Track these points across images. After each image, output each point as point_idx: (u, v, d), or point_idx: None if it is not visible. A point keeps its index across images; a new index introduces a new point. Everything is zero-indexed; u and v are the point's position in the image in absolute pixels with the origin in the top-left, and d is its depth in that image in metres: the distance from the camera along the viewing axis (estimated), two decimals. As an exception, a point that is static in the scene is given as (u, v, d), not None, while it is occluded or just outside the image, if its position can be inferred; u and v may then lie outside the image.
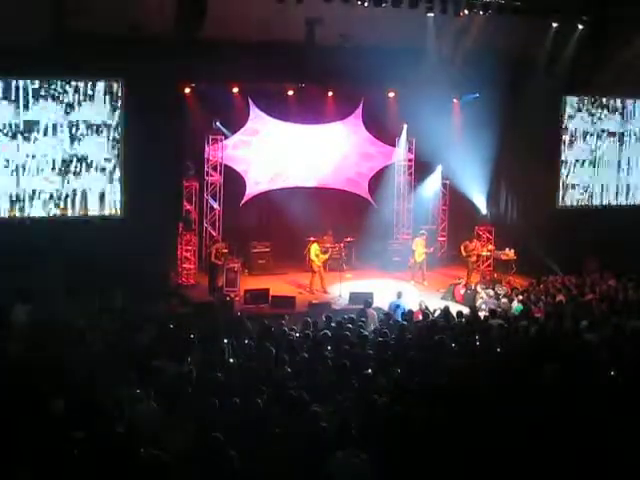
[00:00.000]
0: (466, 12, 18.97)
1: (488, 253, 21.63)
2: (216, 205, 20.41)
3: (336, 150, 22.03)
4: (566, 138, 22.64)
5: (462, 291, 18.73)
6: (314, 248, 19.33)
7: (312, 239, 19.94)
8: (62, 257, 16.55)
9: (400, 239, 22.34)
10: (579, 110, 22.77)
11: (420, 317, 14.83)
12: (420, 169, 22.62)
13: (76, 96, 18.18)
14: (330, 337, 12.65)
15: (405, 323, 13.79)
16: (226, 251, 19.31)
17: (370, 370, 10.54)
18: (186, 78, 18.98)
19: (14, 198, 17.89)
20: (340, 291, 18.77)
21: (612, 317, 14.61)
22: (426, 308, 15.50)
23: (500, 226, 21.69)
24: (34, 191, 18.08)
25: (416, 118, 21.14)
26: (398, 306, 15.58)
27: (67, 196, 18.40)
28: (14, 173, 17.85)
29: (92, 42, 16.77)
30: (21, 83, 17.56)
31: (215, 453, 7.34)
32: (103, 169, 18.61)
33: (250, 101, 20.81)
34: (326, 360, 10.99)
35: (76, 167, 18.41)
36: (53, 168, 18.17)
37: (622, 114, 23.10)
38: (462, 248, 20.85)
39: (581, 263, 20.72)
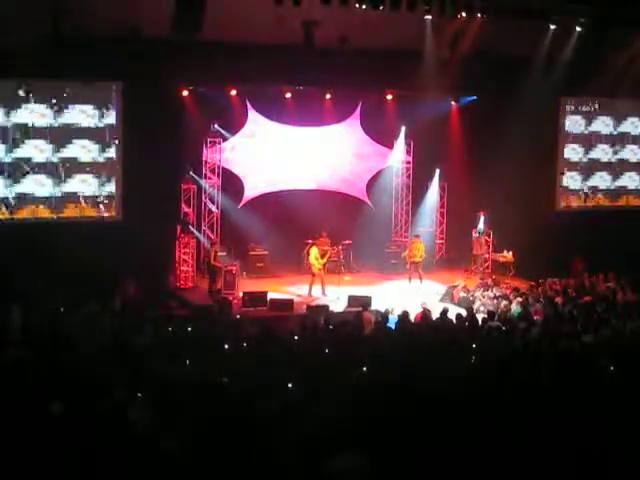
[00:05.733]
0: (464, 14, 19.01)
1: (485, 255, 21.76)
2: (214, 208, 20.41)
3: (334, 152, 22.02)
4: (564, 140, 22.71)
5: (461, 293, 18.73)
6: (313, 251, 19.32)
7: (310, 242, 19.98)
8: (60, 259, 16.55)
9: (398, 242, 22.34)
10: (577, 112, 22.83)
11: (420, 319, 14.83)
12: (418, 172, 22.61)
13: (75, 98, 18.24)
14: (328, 339, 12.65)
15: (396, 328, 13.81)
16: (223, 254, 19.35)
17: (369, 371, 10.53)
18: (184, 80, 19.02)
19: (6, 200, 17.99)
20: (338, 294, 18.77)
21: (611, 319, 14.63)
22: (427, 310, 15.45)
23: (498, 228, 21.69)
24: (28, 194, 18.14)
25: (414, 120, 21.22)
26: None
27: (65, 198, 18.43)
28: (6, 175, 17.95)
29: (91, 44, 16.82)
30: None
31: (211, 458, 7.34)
32: (101, 171, 18.64)
33: (248, 104, 20.80)
34: (325, 362, 10.99)
35: (74, 169, 18.45)
36: (49, 170, 18.21)
37: (617, 116, 23.19)
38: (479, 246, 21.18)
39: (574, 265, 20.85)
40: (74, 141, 18.37)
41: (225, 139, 20.60)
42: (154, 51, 17.14)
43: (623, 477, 7.68)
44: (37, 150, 18.08)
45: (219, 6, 17.09)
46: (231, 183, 20.90)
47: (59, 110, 18.13)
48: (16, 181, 18.02)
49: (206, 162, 20.32)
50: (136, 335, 12.47)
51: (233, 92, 20.03)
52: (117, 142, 18.60)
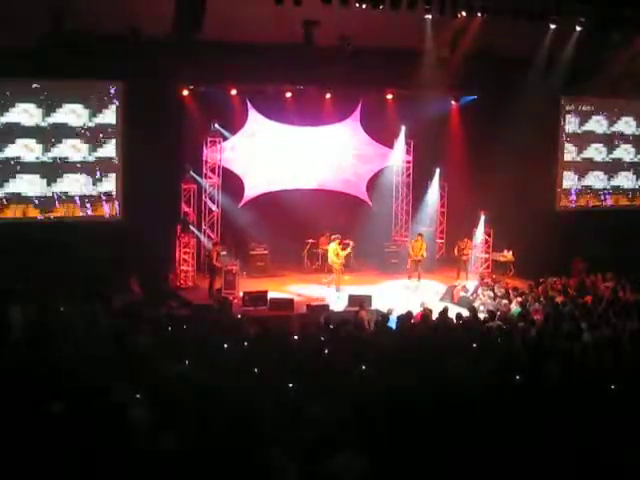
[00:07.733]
0: (464, 14, 19.00)
1: (486, 255, 21.77)
2: (215, 207, 20.42)
3: (334, 152, 22.01)
4: (564, 140, 22.73)
5: (461, 293, 18.72)
6: (333, 248, 19.37)
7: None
8: (60, 259, 16.56)
9: (398, 241, 22.34)
10: (576, 112, 22.84)
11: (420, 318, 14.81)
12: (418, 171, 22.61)
13: (76, 97, 18.26)
14: (328, 339, 12.65)
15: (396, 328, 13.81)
16: (224, 253, 19.36)
17: (369, 371, 10.54)
18: (185, 80, 19.02)
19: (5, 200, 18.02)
20: (339, 293, 18.78)
21: (611, 318, 14.63)
22: (427, 310, 15.43)
23: (498, 228, 21.70)
24: (25, 193, 18.14)
25: (414, 120, 21.22)
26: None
27: (66, 198, 18.45)
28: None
29: (92, 44, 16.85)
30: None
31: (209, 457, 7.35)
32: (101, 171, 18.65)
33: (248, 103, 20.80)
34: (325, 361, 10.99)
35: (74, 168, 18.46)
36: (47, 170, 18.22)
37: (611, 116, 23.22)
38: (455, 249, 21.22)
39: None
40: (64, 140, 18.34)
41: (225, 138, 20.60)
42: (154, 51, 17.14)
43: (623, 476, 7.69)
44: (27, 149, 18.03)
45: (219, 6, 17.10)
46: (231, 182, 20.89)
47: (49, 109, 18.09)
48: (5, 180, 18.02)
49: (206, 161, 20.32)
50: (136, 335, 12.47)
51: (233, 91, 20.03)
52: (117, 141, 18.59)
